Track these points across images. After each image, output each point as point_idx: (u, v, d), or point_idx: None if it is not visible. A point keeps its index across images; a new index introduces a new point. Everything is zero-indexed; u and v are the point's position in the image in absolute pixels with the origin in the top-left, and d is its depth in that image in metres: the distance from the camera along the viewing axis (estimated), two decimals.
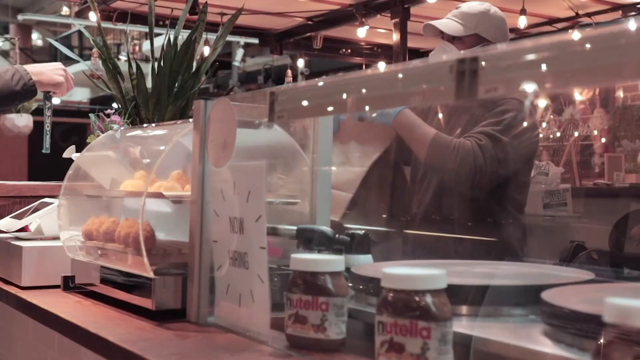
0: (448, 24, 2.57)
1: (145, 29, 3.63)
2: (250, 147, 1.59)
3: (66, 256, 1.97)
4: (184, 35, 2.37)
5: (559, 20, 7.95)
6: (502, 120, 2.39)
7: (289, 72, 8.47)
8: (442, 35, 2.60)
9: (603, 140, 7.75)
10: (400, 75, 1.21)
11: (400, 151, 2.55)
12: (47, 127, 2.54)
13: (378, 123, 2.49)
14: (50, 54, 17.90)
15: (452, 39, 2.57)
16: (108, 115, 2.43)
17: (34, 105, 7.23)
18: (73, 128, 12.14)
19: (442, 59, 1.08)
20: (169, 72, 2.28)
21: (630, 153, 7.06)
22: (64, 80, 2.44)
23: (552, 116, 8.38)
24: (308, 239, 1.54)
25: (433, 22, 2.60)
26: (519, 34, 8.14)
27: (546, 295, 1.12)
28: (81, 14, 7.23)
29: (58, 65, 2.48)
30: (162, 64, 2.27)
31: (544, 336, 1.07)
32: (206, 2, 2.55)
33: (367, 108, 1.52)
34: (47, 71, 2.43)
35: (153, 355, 1.24)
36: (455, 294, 1.11)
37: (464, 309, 1.21)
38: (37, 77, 2.38)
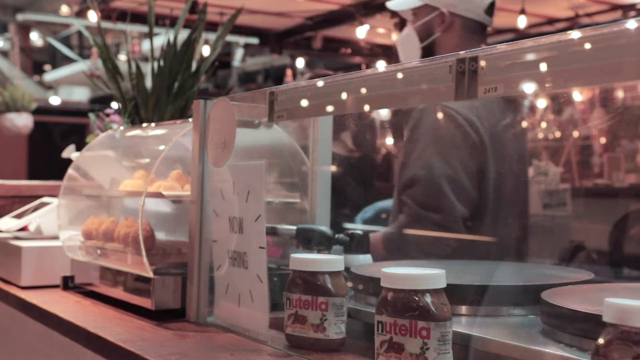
0: (399, 3, 2.47)
1: (145, 29, 3.63)
2: (250, 147, 1.59)
3: (65, 256, 1.96)
4: (183, 35, 2.37)
5: (558, 20, 7.97)
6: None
7: (289, 72, 8.48)
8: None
9: (602, 140, 7.76)
10: (400, 75, 1.21)
11: None
12: None
13: None
14: (49, 54, 17.87)
15: (406, 20, 2.46)
16: (107, 115, 2.42)
17: (34, 105, 7.23)
18: (72, 128, 12.13)
19: (440, 59, 1.08)
20: (169, 71, 2.28)
21: (629, 153, 7.06)
22: None
23: (551, 116, 8.38)
24: (307, 239, 1.54)
25: (388, 4, 2.54)
26: (519, 34, 8.15)
27: (546, 295, 1.12)
28: (81, 14, 7.25)
29: None
30: (161, 63, 2.27)
31: (543, 336, 1.07)
32: (206, 2, 2.54)
33: (366, 108, 1.52)
34: None
35: (152, 355, 1.24)
36: (455, 293, 1.11)
37: (463, 308, 1.21)
38: None
